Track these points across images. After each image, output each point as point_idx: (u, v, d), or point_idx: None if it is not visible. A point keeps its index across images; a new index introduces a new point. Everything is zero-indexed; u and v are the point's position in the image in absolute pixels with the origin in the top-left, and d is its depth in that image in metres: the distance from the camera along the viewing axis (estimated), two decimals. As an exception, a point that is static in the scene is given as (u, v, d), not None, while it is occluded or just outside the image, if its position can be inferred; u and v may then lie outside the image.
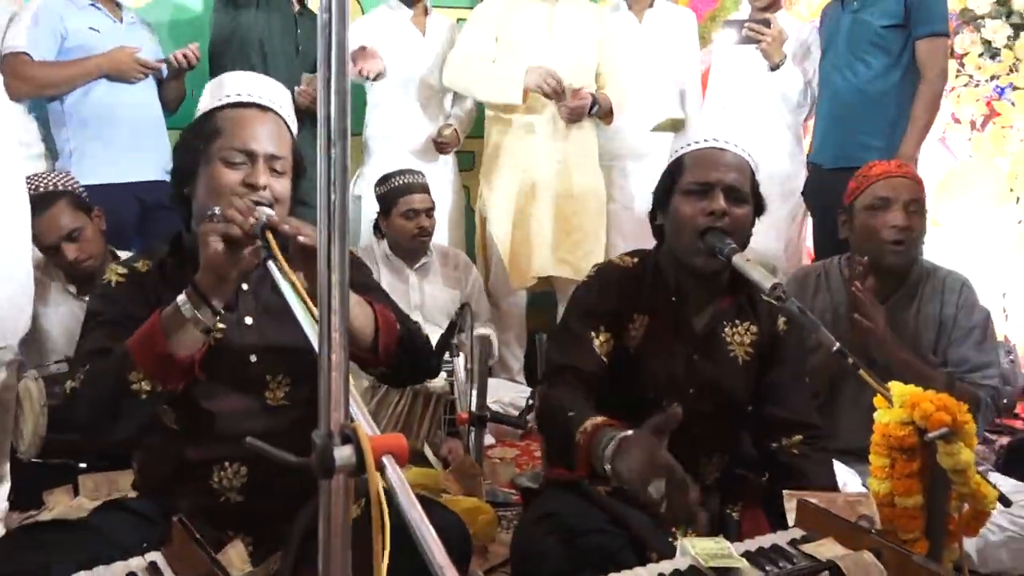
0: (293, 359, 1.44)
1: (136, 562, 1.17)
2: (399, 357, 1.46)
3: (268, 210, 1.34)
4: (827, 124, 3.02)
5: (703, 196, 1.60)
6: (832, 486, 1.61)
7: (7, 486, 1.89)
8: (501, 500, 2.24)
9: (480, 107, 3.39)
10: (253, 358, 1.45)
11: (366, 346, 1.40)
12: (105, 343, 1.37)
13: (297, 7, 3.15)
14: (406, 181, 2.87)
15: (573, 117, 3.03)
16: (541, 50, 3.08)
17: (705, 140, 1.65)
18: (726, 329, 1.67)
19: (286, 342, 1.43)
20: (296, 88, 2.98)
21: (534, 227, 3.12)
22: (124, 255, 2.43)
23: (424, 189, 2.89)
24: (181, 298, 1.30)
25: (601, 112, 3.11)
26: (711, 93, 3.40)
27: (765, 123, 3.20)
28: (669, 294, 1.66)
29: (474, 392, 2.21)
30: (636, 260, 1.72)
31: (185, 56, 2.88)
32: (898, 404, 1.41)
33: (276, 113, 1.50)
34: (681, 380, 1.63)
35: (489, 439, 2.67)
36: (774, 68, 3.03)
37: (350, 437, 0.77)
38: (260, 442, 0.82)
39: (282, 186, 1.47)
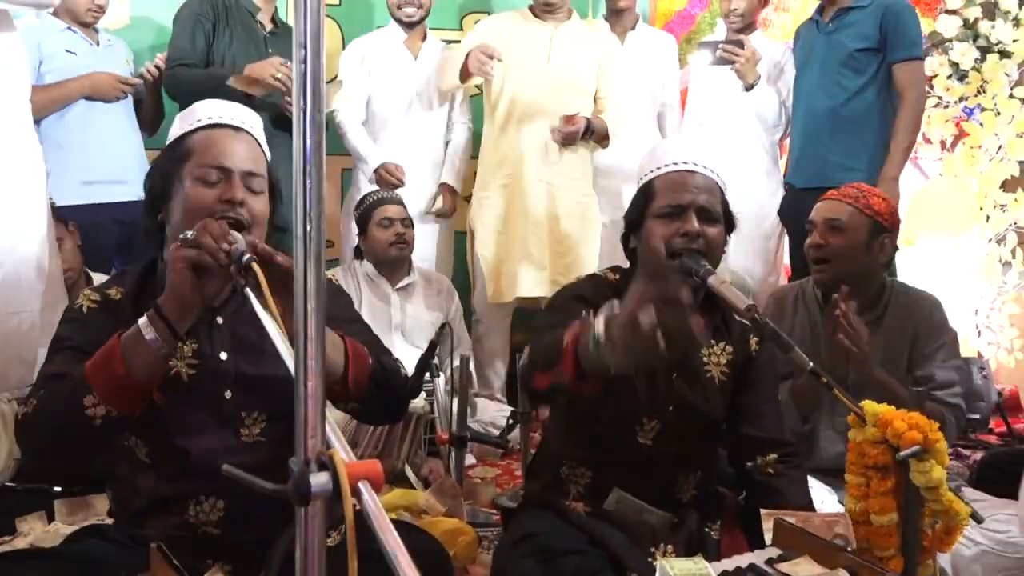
0: (269, 395, 1.42)
1: (113, 590, 1.16)
2: (370, 392, 1.43)
3: (241, 238, 1.30)
4: (802, 144, 3.07)
5: (676, 218, 1.62)
6: (807, 504, 1.62)
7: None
8: (482, 520, 2.23)
9: (477, 129, 3.43)
10: (228, 394, 1.42)
11: (335, 379, 1.36)
12: (66, 368, 1.33)
13: (270, 27, 3.15)
14: (380, 195, 2.95)
15: (566, 141, 3.06)
16: (540, 73, 3.11)
17: (675, 163, 1.66)
18: (703, 350, 1.69)
19: (262, 378, 1.41)
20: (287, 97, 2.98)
21: (520, 247, 3.13)
22: (99, 277, 2.42)
23: (398, 202, 2.95)
24: (143, 321, 1.27)
25: (597, 137, 3.13)
26: (688, 113, 3.44)
27: (741, 143, 3.25)
28: None
29: (455, 412, 2.21)
30: (618, 277, 1.73)
31: (156, 66, 2.90)
32: (871, 423, 1.43)
33: (249, 134, 1.49)
34: (660, 399, 1.64)
35: (470, 459, 2.67)
36: (748, 88, 3.08)
37: (326, 464, 0.78)
38: (236, 470, 0.81)
39: (260, 205, 1.45)
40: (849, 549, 1.34)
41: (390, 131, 3.29)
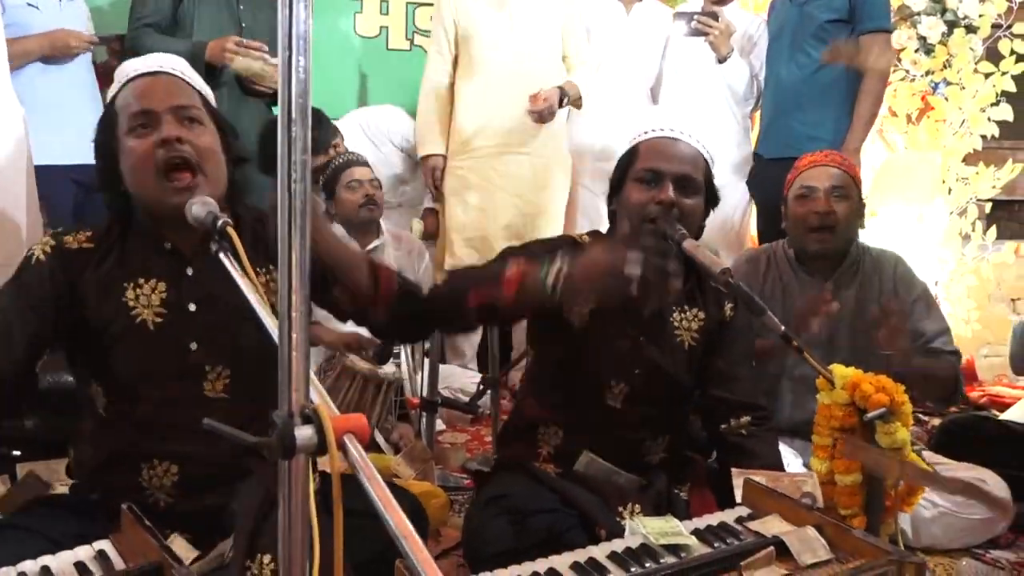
0: (235, 351, 1.40)
1: (84, 551, 1.14)
2: (400, 306, 1.46)
3: (213, 202, 1.30)
4: (771, 115, 3.09)
5: (653, 185, 1.63)
6: (777, 463, 1.66)
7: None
8: (452, 484, 2.25)
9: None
10: (193, 346, 1.39)
11: (367, 293, 1.41)
12: None
13: None
14: (346, 159, 2.93)
15: (543, 119, 3.05)
16: (501, 44, 3.09)
17: (660, 129, 1.67)
18: (674, 314, 1.70)
19: (229, 333, 1.39)
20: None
21: (491, 217, 3.15)
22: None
23: (365, 163, 2.93)
24: None
25: (570, 100, 3.12)
26: (664, 83, 3.44)
27: (712, 114, 3.25)
28: None
29: (425, 378, 2.21)
30: (590, 240, 1.73)
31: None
32: (840, 386, 1.46)
33: (171, 75, 1.44)
34: (627, 362, 1.66)
35: (439, 425, 2.67)
36: (721, 61, 3.09)
37: (311, 417, 0.77)
38: (217, 423, 0.80)
39: (204, 138, 1.40)
40: (816, 507, 1.37)
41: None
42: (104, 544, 1.16)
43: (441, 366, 2.48)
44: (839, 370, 1.49)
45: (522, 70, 3.09)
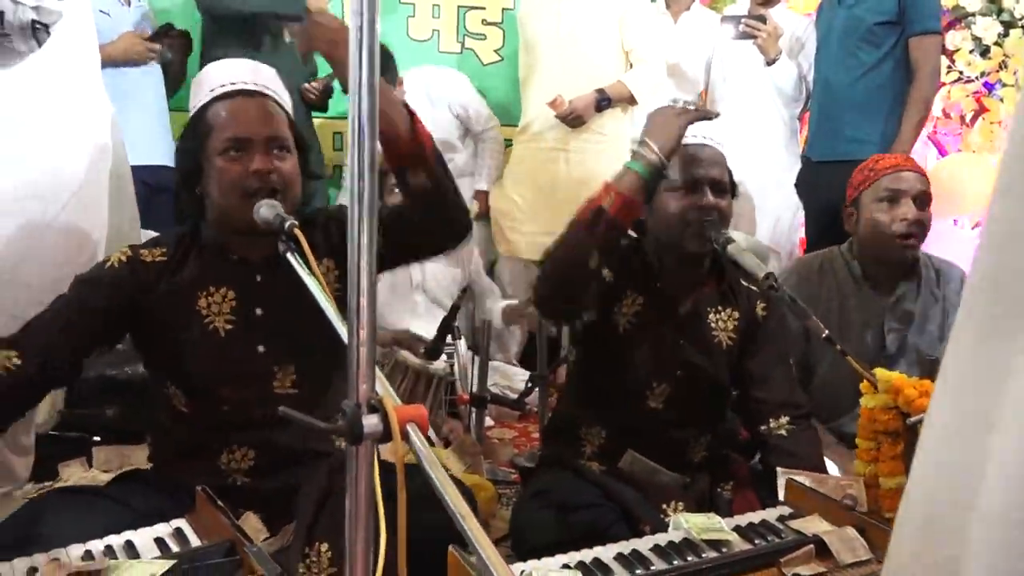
0: (301, 351, 1.48)
1: (163, 528, 1.23)
2: (439, 168, 1.46)
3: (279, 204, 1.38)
4: (818, 118, 3.08)
5: (690, 192, 1.66)
6: (819, 463, 1.68)
7: (31, 458, 1.95)
8: (501, 478, 2.30)
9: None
10: (261, 348, 1.48)
11: (404, 133, 1.39)
12: (49, 323, 1.42)
13: None
14: None
15: (574, 123, 3.09)
16: (553, 45, 3.17)
17: (687, 137, 1.70)
18: (710, 315, 1.74)
19: (295, 334, 1.47)
20: (303, 85, 3.08)
21: (526, 209, 3.23)
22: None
23: None
24: None
25: (617, 103, 3.16)
26: (712, 87, 3.46)
27: (760, 117, 3.26)
28: (655, 280, 1.73)
29: (475, 374, 2.27)
30: (627, 243, 1.75)
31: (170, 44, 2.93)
32: (883, 389, 1.49)
33: (264, 95, 1.50)
34: (668, 363, 1.70)
35: (488, 420, 2.73)
36: (770, 63, 3.09)
37: (376, 407, 0.83)
38: (292, 411, 0.87)
39: (288, 166, 1.48)
40: (857, 509, 1.39)
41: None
42: (181, 522, 1.25)
43: (490, 363, 2.55)
44: (882, 373, 1.50)
45: (574, 65, 3.15)
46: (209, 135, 1.47)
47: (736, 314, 1.75)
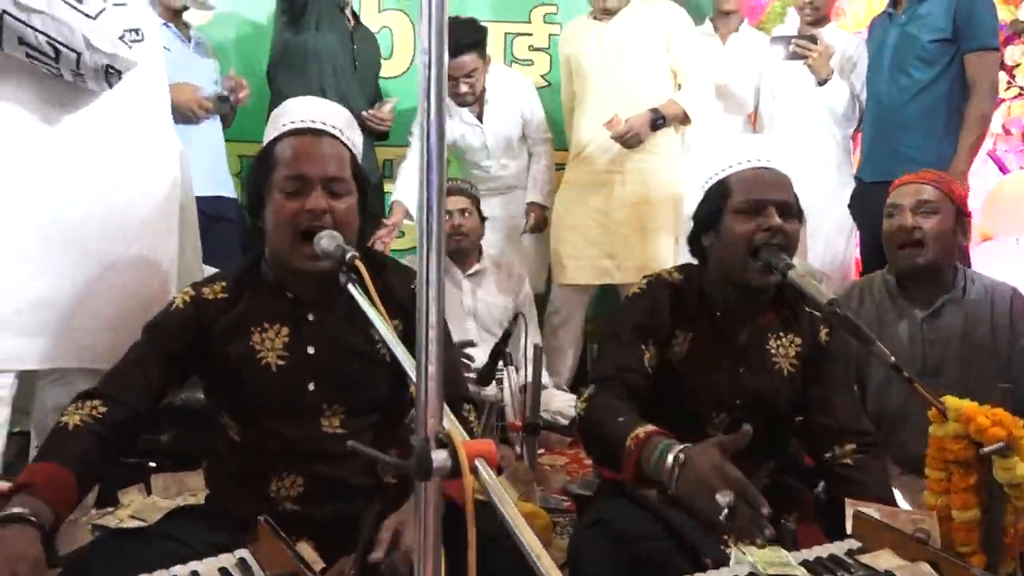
0: (350, 391, 1.50)
1: (227, 558, 1.24)
2: None
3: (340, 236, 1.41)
4: (872, 138, 3.04)
5: (756, 214, 1.64)
6: (887, 494, 1.63)
7: (97, 485, 1.99)
8: (554, 506, 2.28)
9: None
10: (311, 386, 1.50)
11: None
12: (126, 370, 1.50)
13: (352, 23, 3.25)
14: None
15: (629, 143, 3.08)
16: (600, 69, 3.18)
17: (748, 160, 1.68)
18: (771, 342, 1.70)
19: (344, 373, 1.49)
20: (364, 112, 3.13)
21: (579, 234, 3.20)
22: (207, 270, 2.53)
23: (461, 191, 3.01)
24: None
25: (670, 121, 3.15)
26: (761, 108, 3.43)
27: (813, 137, 3.23)
28: (713, 311, 1.70)
29: (527, 401, 2.26)
30: (682, 277, 1.75)
31: (236, 95, 3.01)
32: (953, 418, 1.44)
33: (333, 136, 1.53)
34: (727, 393, 1.67)
35: (538, 447, 2.71)
36: (821, 83, 3.05)
37: (444, 442, 0.83)
38: (361, 445, 0.87)
39: (345, 207, 1.49)
40: (931, 544, 1.34)
41: (476, 171, 3.46)
42: (244, 552, 1.26)
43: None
44: (952, 402, 1.46)
45: (623, 88, 3.15)
46: (273, 169, 1.51)
47: (798, 340, 1.72)
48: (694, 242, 1.78)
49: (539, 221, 3.43)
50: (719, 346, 1.68)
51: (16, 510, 1.24)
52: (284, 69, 3.11)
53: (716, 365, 1.67)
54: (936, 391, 1.96)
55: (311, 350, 1.51)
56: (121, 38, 1.59)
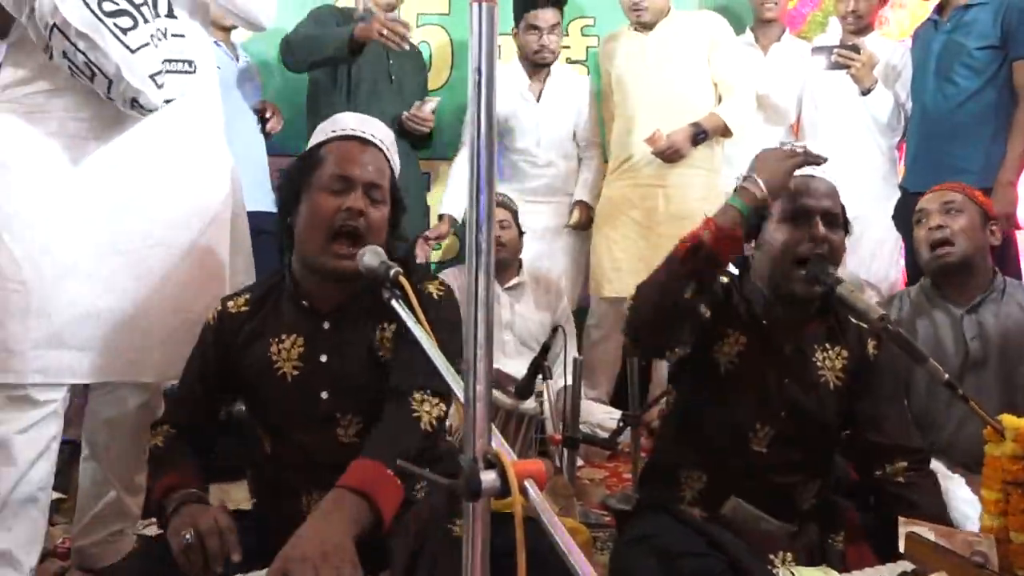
0: (363, 399, 1.49)
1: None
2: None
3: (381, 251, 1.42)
4: (916, 148, 2.99)
5: (801, 223, 1.61)
6: (941, 513, 1.59)
7: (143, 496, 2.02)
8: (593, 521, 2.27)
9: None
10: (324, 395, 1.50)
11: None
12: (181, 395, 1.62)
13: None
14: None
15: (671, 158, 3.06)
16: (641, 81, 3.16)
17: None
18: (817, 353, 1.67)
19: (358, 382, 1.49)
20: (405, 113, 3.13)
21: (620, 246, 3.18)
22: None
23: (500, 204, 3.01)
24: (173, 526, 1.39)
25: (713, 134, 3.12)
26: (804, 118, 3.39)
27: (857, 148, 3.17)
28: (758, 319, 1.67)
29: (567, 414, 2.25)
30: (726, 280, 1.72)
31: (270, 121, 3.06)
32: (1011, 438, 1.40)
33: (378, 147, 1.58)
34: (771, 405, 1.63)
35: (577, 461, 2.70)
36: (865, 93, 3.01)
37: (493, 462, 0.82)
38: (409, 464, 0.87)
39: (379, 215, 1.53)
40: (988, 567, 1.31)
41: (523, 164, 3.40)
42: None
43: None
44: (1009, 421, 1.42)
45: (664, 100, 3.12)
46: (316, 168, 1.54)
47: (845, 353, 1.68)
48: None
49: (584, 218, 3.39)
50: (765, 355, 1.65)
51: (191, 490, 1.44)
52: (320, 85, 3.15)
53: (761, 374, 1.64)
54: (981, 386, 1.97)
55: (324, 359, 1.52)
56: (154, 76, 1.63)
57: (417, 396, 1.44)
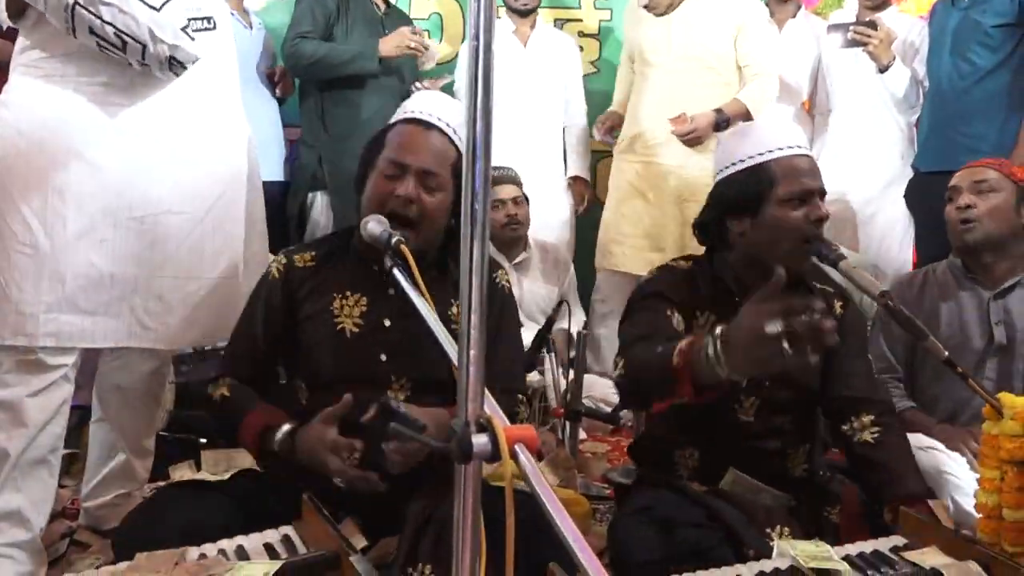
0: (420, 365, 1.53)
1: (272, 534, 1.28)
2: None
3: (387, 225, 1.46)
4: (930, 126, 2.95)
5: (802, 204, 1.61)
6: (911, 469, 1.61)
7: (151, 460, 2.06)
8: (594, 493, 2.28)
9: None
10: (383, 357, 1.55)
11: None
12: (241, 346, 1.64)
13: (383, 8, 3.27)
14: (493, 175, 2.97)
15: (691, 142, 3.03)
16: (662, 58, 3.11)
17: (790, 147, 1.64)
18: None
19: (415, 349, 1.52)
20: (416, 84, 3.21)
21: (633, 222, 3.15)
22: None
23: (512, 181, 2.99)
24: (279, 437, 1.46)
25: (733, 123, 3.05)
26: (819, 95, 3.35)
27: (872, 125, 3.14)
28: (732, 295, 1.68)
29: (569, 387, 2.27)
30: (690, 264, 1.75)
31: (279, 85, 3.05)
32: (1008, 416, 1.40)
33: (441, 131, 1.59)
34: (755, 375, 1.63)
35: (580, 434, 2.72)
36: (883, 70, 2.97)
37: (485, 426, 0.84)
38: (405, 428, 0.89)
39: (434, 201, 1.55)
40: (979, 541, 1.32)
41: (507, 121, 3.33)
42: (288, 529, 1.30)
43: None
44: (1008, 399, 1.42)
45: (686, 79, 3.07)
46: (379, 151, 1.60)
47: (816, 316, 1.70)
48: (706, 228, 1.73)
49: (586, 196, 3.40)
50: None
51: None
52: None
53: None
54: (1004, 372, 1.96)
55: (387, 322, 1.57)
56: (184, 29, 1.63)
57: (519, 397, 1.64)
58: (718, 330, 1.22)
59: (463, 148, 1.57)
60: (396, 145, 1.58)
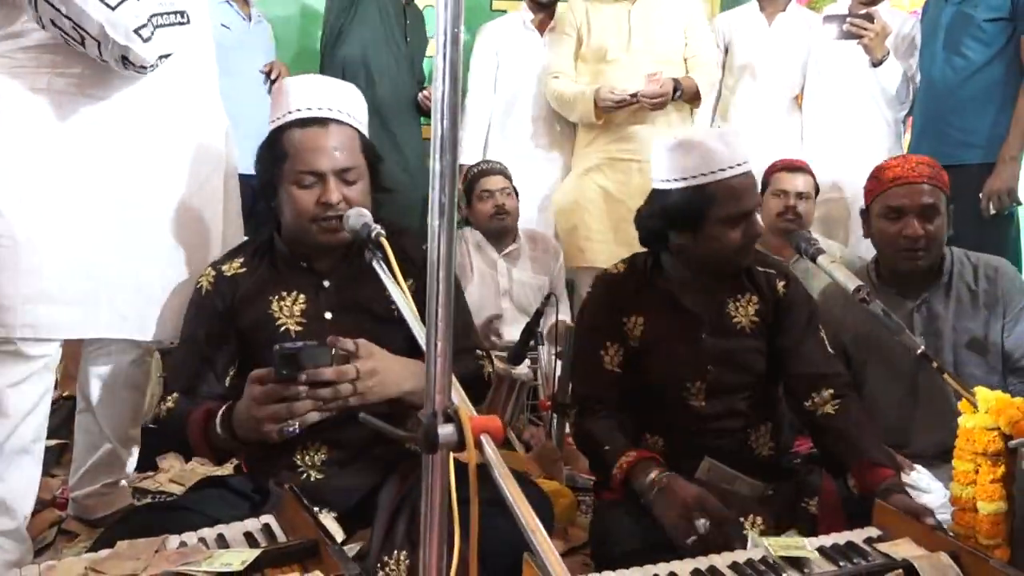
0: None
1: (252, 523, 1.29)
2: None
3: (368, 213, 1.46)
4: (922, 121, 2.95)
5: (740, 222, 1.66)
6: (873, 437, 1.64)
7: (137, 449, 2.07)
8: (580, 485, 2.30)
9: None
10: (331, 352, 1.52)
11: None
12: (184, 363, 1.60)
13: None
14: (481, 168, 3.04)
15: (656, 106, 3.02)
16: (621, 51, 3.09)
17: (731, 167, 1.65)
18: (729, 306, 1.75)
19: (361, 337, 1.49)
20: (422, 94, 3.22)
21: (596, 219, 3.12)
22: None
23: (500, 172, 3.00)
24: (218, 420, 1.43)
25: (686, 96, 3.06)
26: (808, 88, 3.35)
27: (861, 119, 3.14)
28: (669, 288, 1.75)
29: (556, 380, 2.28)
30: (625, 266, 1.83)
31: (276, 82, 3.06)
32: (983, 409, 1.42)
33: (338, 121, 1.55)
34: (696, 361, 1.72)
35: (566, 426, 2.73)
36: (876, 64, 2.97)
37: (452, 417, 0.85)
38: (371, 418, 0.90)
39: (357, 192, 1.55)
40: (952, 533, 1.33)
41: (520, 113, 3.34)
42: (269, 518, 1.31)
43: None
44: (983, 393, 1.44)
45: (643, 74, 3.03)
46: (283, 161, 1.54)
47: (755, 298, 1.76)
48: (650, 230, 1.77)
49: None
50: (677, 320, 1.73)
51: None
52: (336, 42, 3.14)
53: (677, 337, 1.72)
54: (935, 384, 1.89)
55: (328, 315, 1.56)
56: (141, 28, 1.59)
57: (478, 352, 1.68)
58: (657, 485, 1.51)
59: (360, 123, 1.60)
60: (302, 153, 1.52)
